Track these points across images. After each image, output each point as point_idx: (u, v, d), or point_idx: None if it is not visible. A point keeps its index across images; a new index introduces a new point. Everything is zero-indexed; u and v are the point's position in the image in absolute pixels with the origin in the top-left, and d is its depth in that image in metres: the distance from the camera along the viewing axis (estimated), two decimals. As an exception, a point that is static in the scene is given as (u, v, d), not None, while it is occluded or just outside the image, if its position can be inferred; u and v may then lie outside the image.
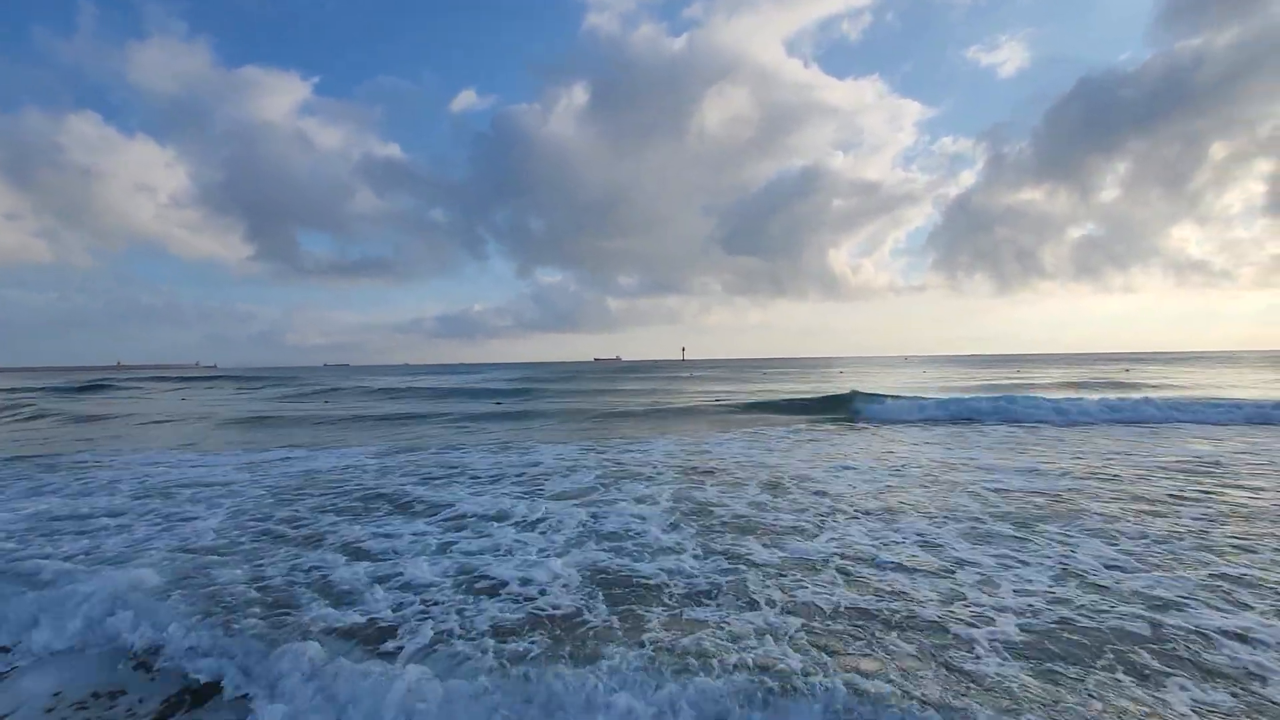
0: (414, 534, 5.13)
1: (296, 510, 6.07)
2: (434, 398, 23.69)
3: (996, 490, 6.25)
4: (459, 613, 3.54)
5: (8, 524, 5.60)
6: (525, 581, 4.00)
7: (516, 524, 5.40)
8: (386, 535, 5.13)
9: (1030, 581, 3.78)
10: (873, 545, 4.60)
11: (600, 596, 3.75)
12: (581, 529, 5.18)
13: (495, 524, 5.40)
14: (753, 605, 3.52)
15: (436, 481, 7.37)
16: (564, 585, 3.92)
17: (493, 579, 4.05)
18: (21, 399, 25.37)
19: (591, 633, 3.25)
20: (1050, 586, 3.70)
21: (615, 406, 18.07)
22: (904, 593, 3.62)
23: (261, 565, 4.34)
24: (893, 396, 15.17)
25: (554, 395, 23.86)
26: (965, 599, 3.52)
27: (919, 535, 4.79)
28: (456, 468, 8.26)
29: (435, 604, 3.68)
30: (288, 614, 3.51)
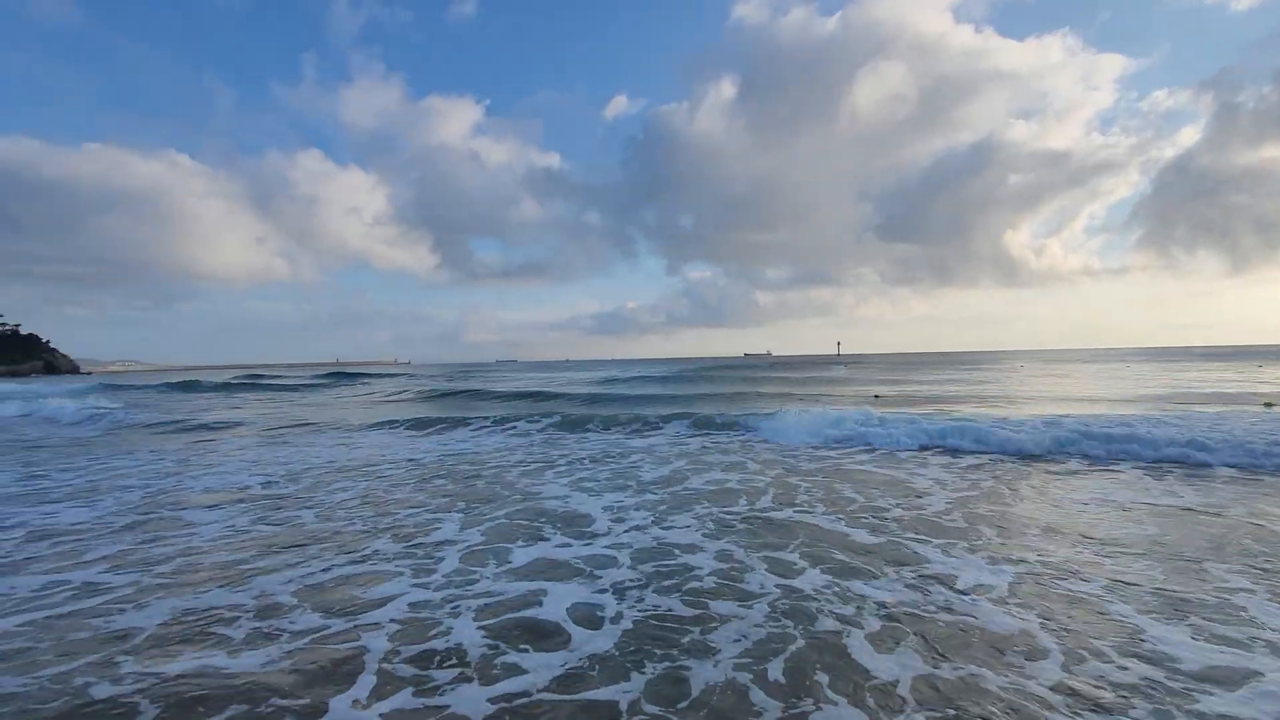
0: (446, 541, 5.33)
1: (390, 489, 6.69)
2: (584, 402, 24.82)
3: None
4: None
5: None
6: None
7: (573, 531, 5.43)
8: (409, 542, 5.35)
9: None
10: (991, 600, 3.94)
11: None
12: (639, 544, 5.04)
13: (551, 526, 5.48)
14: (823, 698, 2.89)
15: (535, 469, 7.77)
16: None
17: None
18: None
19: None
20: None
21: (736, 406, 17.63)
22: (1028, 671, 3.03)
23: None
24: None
25: (677, 399, 23.81)
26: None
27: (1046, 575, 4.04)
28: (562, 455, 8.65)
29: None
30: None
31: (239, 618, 3.86)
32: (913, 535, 5.32)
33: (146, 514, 6.66)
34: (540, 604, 3.99)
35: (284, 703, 2.88)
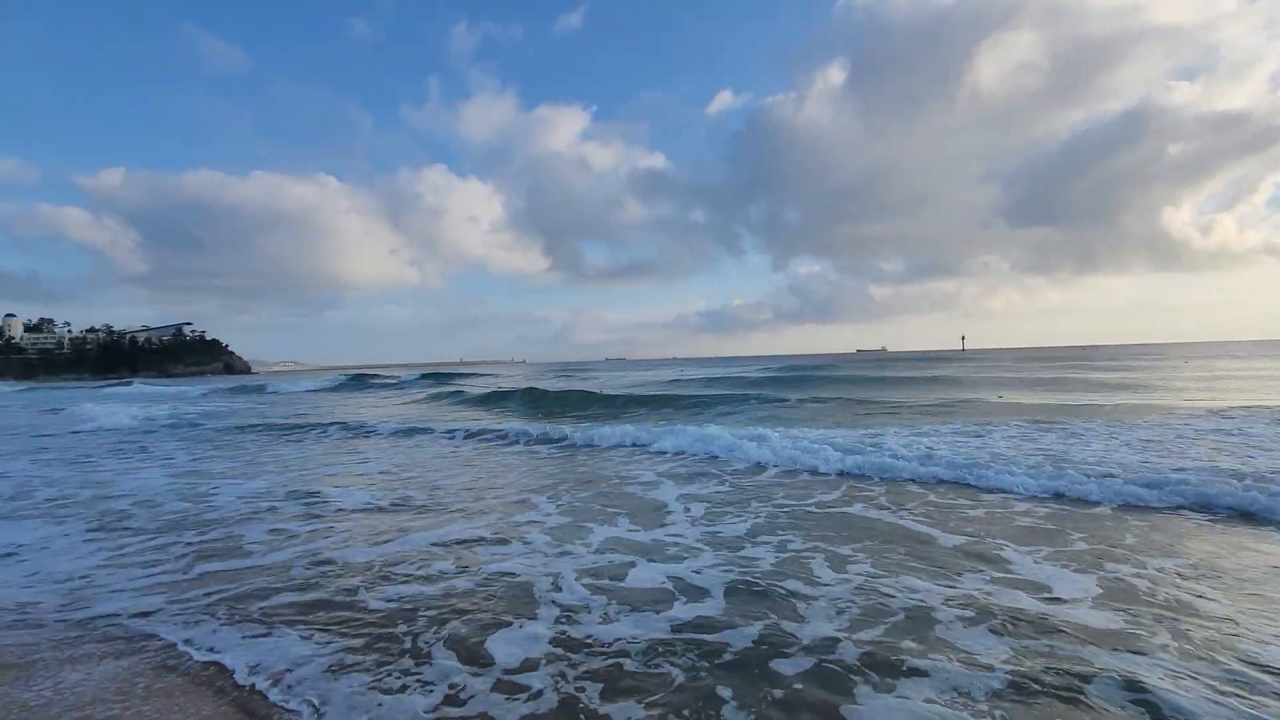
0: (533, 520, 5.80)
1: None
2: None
3: None
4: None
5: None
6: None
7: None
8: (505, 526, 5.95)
9: None
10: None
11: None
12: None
13: (640, 510, 5.80)
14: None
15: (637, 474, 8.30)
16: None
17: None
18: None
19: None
20: None
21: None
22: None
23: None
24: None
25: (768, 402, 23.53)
26: None
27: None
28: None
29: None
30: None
31: (413, 564, 4.83)
32: (993, 539, 5.22)
33: (297, 489, 7.96)
34: (631, 574, 4.49)
35: (498, 616, 3.78)
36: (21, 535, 5.98)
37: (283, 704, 2.87)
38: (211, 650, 3.42)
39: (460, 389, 29.75)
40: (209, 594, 4.29)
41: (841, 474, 7.94)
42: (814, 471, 8.10)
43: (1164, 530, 5.22)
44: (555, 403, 20.96)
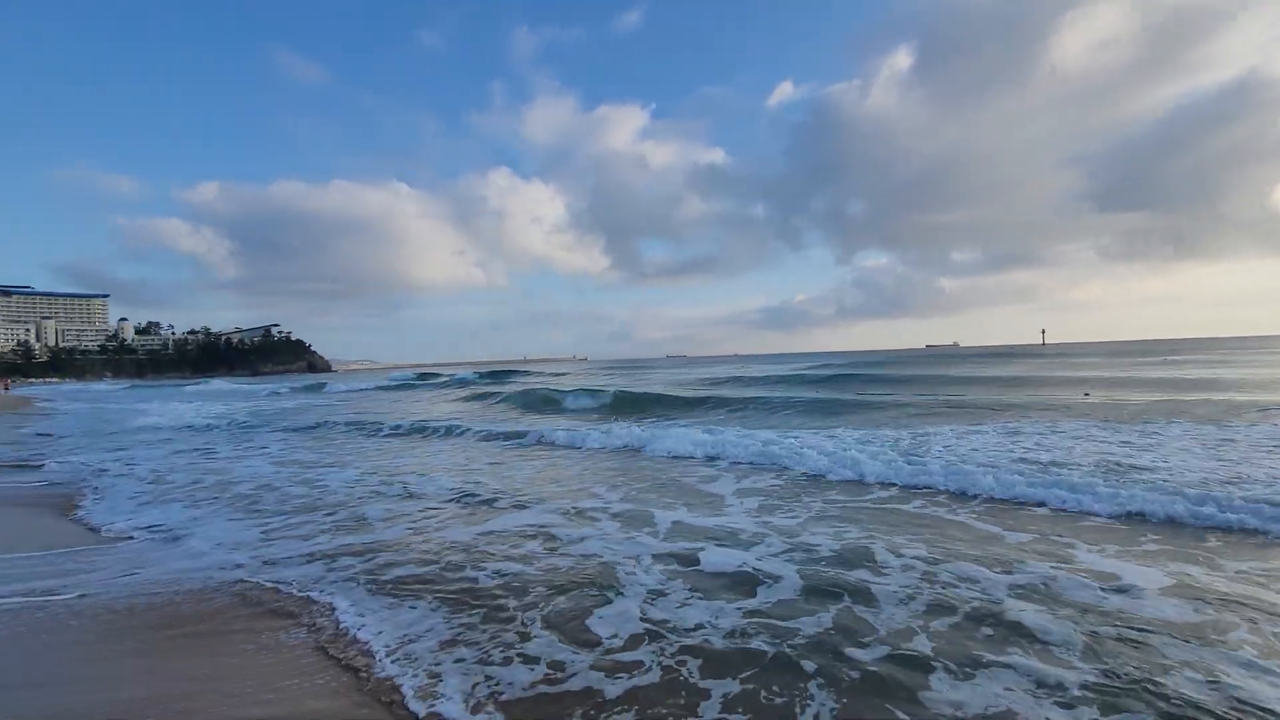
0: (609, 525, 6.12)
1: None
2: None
3: None
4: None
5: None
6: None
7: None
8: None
9: None
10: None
11: None
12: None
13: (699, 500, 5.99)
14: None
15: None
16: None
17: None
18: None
19: None
20: None
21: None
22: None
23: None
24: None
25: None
26: None
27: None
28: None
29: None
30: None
31: (507, 543, 5.38)
32: (1058, 538, 5.18)
33: (388, 477, 8.69)
34: (703, 558, 4.79)
35: (595, 593, 4.17)
36: (170, 516, 6.83)
37: (399, 674, 3.22)
38: (360, 615, 3.95)
39: (524, 386, 30.77)
40: (351, 564, 4.95)
41: (888, 481, 7.47)
42: (862, 475, 7.81)
43: (1240, 542, 5.01)
44: (611, 401, 21.44)
